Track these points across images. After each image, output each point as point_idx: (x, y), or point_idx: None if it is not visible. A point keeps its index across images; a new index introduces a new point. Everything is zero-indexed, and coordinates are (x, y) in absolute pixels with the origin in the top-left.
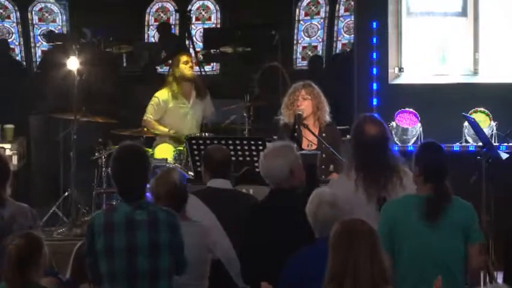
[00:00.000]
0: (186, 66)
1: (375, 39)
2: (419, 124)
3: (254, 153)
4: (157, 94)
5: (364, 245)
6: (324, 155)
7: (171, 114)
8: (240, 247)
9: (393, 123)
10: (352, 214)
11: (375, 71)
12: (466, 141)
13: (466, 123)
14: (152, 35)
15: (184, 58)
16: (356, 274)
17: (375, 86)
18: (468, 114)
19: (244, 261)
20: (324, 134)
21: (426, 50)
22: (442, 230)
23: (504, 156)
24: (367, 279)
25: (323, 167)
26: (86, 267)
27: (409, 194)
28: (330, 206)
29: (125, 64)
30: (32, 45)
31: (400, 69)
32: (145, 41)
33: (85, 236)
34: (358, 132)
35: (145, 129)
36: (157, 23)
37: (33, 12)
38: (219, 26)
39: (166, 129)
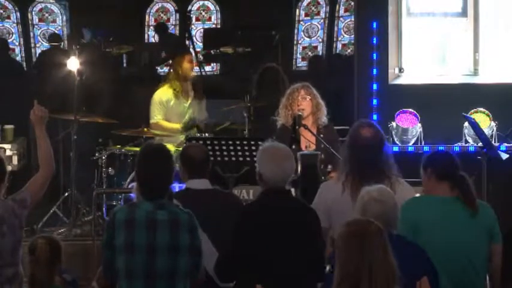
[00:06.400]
0: (190, 66)
1: (375, 40)
2: (419, 124)
3: (254, 153)
4: (158, 93)
5: (377, 246)
6: (322, 156)
7: (172, 112)
8: (230, 248)
9: (393, 124)
10: (397, 209)
11: (375, 71)
12: (466, 142)
13: (466, 124)
14: (152, 35)
15: (189, 57)
16: (372, 276)
17: (375, 86)
18: (468, 115)
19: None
20: (321, 135)
21: (426, 50)
22: (469, 230)
23: (504, 156)
24: (382, 280)
25: (322, 167)
26: (102, 261)
27: (427, 195)
28: (377, 202)
29: (125, 64)
30: (32, 45)
31: (400, 70)
32: (146, 41)
33: (105, 229)
34: (353, 136)
35: (146, 129)
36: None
37: (33, 13)
38: (219, 26)
39: (177, 125)
